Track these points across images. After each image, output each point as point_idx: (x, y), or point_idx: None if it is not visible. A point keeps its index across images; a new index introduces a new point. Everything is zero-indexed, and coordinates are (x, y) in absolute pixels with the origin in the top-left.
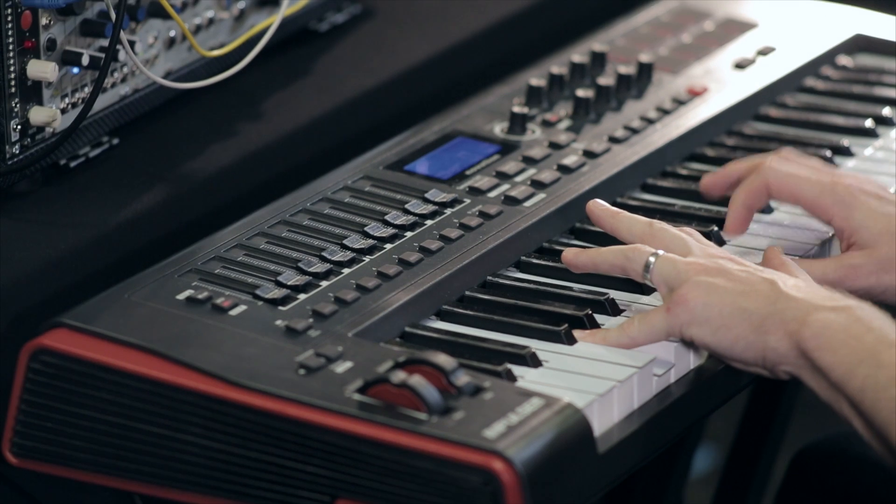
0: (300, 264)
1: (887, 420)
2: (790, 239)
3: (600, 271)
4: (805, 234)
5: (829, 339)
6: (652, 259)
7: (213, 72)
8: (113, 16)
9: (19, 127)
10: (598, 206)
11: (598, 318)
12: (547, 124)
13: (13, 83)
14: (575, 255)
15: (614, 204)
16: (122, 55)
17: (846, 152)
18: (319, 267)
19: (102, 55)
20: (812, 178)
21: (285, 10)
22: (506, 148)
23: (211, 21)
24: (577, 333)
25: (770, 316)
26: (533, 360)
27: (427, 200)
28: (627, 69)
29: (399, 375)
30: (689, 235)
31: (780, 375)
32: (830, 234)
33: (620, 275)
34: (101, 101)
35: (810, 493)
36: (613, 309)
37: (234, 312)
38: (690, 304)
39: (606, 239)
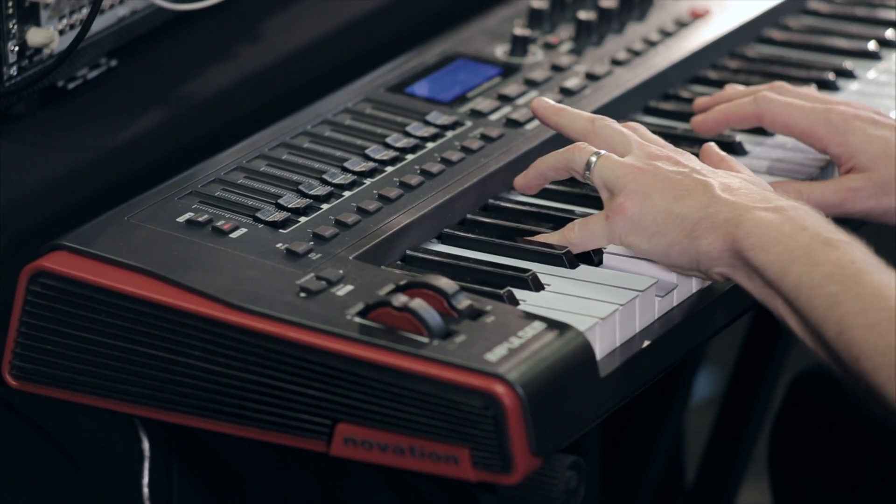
0: (301, 187)
1: (822, 317)
2: (792, 162)
3: (549, 179)
4: (807, 158)
5: (763, 237)
6: (593, 159)
7: None
8: None
9: (17, 48)
10: (542, 102)
11: None
12: (549, 47)
13: (10, 4)
14: (522, 176)
15: None
16: None
17: (849, 75)
18: (320, 190)
19: None
20: (805, 107)
21: None
22: (507, 70)
23: None
24: (518, 240)
25: (702, 220)
26: (535, 284)
27: (428, 123)
28: None
29: (400, 299)
30: (634, 131)
31: (715, 278)
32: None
33: (566, 177)
34: (99, 23)
35: (808, 417)
36: None
37: (234, 235)
38: (627, 213)
39: None
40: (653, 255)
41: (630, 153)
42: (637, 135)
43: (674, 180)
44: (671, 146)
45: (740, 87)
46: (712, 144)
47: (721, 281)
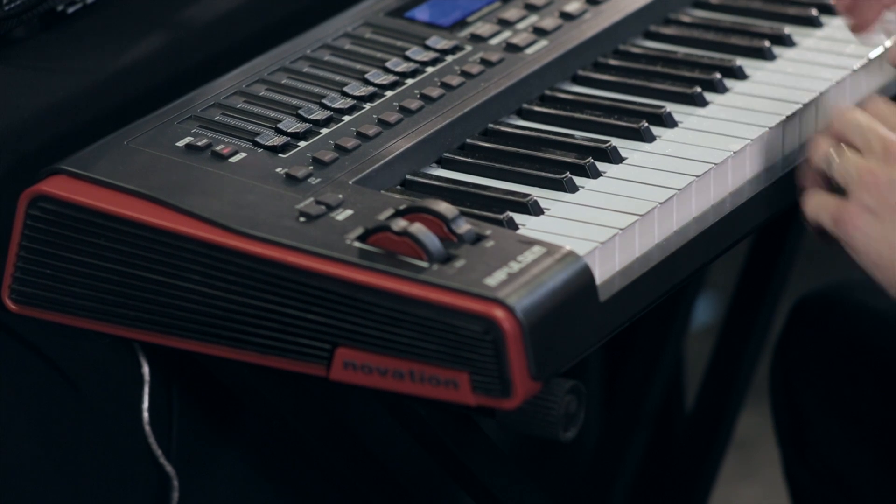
0: (300, 111)
1: None
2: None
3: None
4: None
5: None
6: (833, 154)
7: None
8: None
9: None
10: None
11: (600, 165)
12: None
13: None
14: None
15: (616, 52)
16: None
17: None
18: (320, 114)
19: None
20: None
21: None
22: None
23: None
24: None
25: None
26: (534, 208)
27: (428, 48)
28: None
29: (399, 223)
30: (884, 119)
31: None
32: None
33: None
34: None
35: (810, 342)
36: (615, 156)
37: (233, 160)
38: (850, 233)
39: (611, 86)
40: (877, 281)
41: (870, 152)
42: (881, 127)
43: None
44: None
45: None
46: None
47: None
